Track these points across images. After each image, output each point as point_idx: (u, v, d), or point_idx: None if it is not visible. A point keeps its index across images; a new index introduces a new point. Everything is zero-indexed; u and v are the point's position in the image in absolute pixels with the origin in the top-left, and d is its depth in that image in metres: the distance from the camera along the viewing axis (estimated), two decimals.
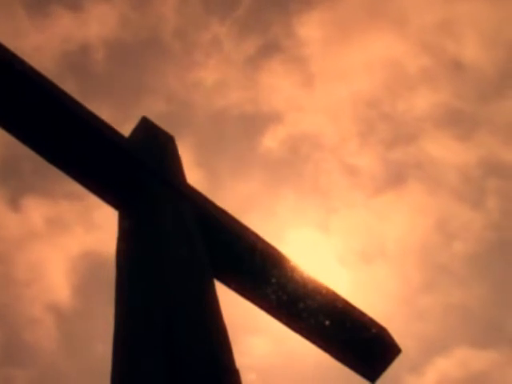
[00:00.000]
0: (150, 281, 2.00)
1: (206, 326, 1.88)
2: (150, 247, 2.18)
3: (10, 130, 2.51)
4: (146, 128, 3.26)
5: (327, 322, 2.70)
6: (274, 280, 2.67)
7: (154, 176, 2.62)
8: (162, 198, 2.49)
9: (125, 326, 1.88)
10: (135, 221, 2.42)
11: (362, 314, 2.83)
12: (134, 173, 2.59)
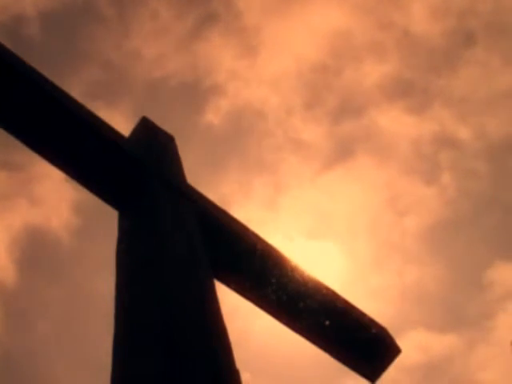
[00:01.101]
0: (150, 281, 2.00)
1: (206, 326, 1.88)
2: (150, 247, 2.18)
3: (10, 129, 2.51)
4: (146, 128, 3.26)
5: (327, 322, 2.70)
6: (274, 280, 2.67)
7: (154, 176, 2.62)
8: (162, 198, 2.49)
9: (125, 325, 1.88)
10: (135, 221, 2.42)
11: (362, 314, 2.83)
12: (134, 173, 2.59)
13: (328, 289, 2.80)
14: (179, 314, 1.84)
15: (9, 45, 2.52)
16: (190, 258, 2.20)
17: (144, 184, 2.57)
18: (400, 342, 2.77)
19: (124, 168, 2.58)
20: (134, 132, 3.20)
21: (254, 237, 2.79)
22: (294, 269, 2.74)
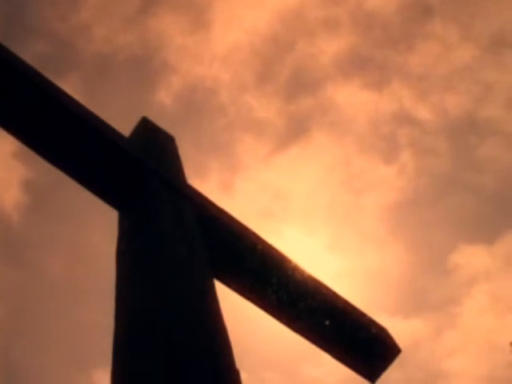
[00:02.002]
0: (150, 281, 2.00)
1: (206, 326, 1.88)
2: (150, 247, 2.18)
3: (10, 129, 2.51)
4: (146, 128, 3.26)
5: (327, 322, 2.70)
6: (274, 280, 2.67)
7: (154, 176, 2.62)
8: (162, 198, 2.49)
9: (125, 326, 1.88)
10: (135, 221, 2.42)
11: (362, 314, 2.83)
12: (134, 173, 2.59)
13: (328, 289, 2.80)
14: (179, 314, 1.84)
15: None
16: (190, 258, 2.20)
17: (144, 184, 2.57)
18: None
19: (124, 168, 2.58)
20: (134, 132, 3.20)
21: (254, 237, 2.79)
22: (294, 269, 2.74)
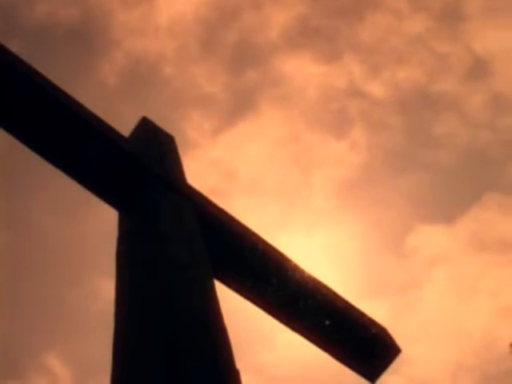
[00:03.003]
0: (150, 281, 2.00)
1: (206, 326, 1.88)
2: (150, 247, 2.18)
3: (10, 129, 2.51)
4: (146, 128, 3.26)
5: (327, 322, 2.70)
6: (274, 280, 2.67)
7: (154, 176, 2.62)
8: (162, 198, 2.50)
9: (125, 326, 1.88)
10: (135, 221, 2.42)
11: (362, 314, 2.83)
12: (134, 173, 2.59)
13: (328, 289, 2.80)
14: (179, 314, 1.85)
15: None
16: (190, 258, 2.20)
17: (144, 184, 2.57)
18: None
19: (124, 168, 2.59)
20: (134, 132, 3.20)
21: (254, 237, 2.79)
22: (294, 269, 2.74)
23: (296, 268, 2.76)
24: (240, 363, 1.80)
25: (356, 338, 2.74)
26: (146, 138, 3.11)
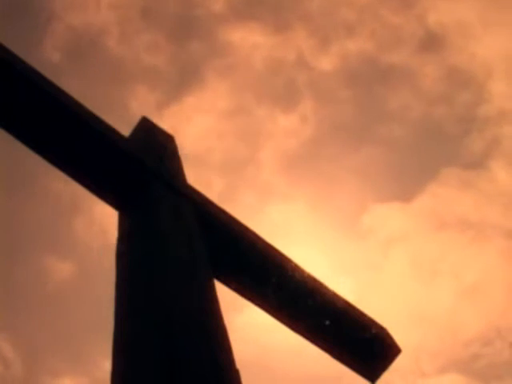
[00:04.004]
0: (150, 281, 2.00)
1: (206, 326, 1.88)
2: (150, 247, 2.18)
3: (10, 129, 2.51)
4: (146, 128, 3.26)
5: (327, 322, 2.70)
6: (274, 280, 2.67)
7: (154, 176, 2.62)
8: (162, 198, 2.49)
9: (125, 326, 1.88)
10: (135, 221, 2.42)
11: (362, 314, 2.83)
12: (134, 173, 2.59)
13: (328, 289, 2.80)
14: (179, 314, 1.84)
15: None
16: (190, 258, 2.20)
17: (144, 184, 2.57)
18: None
19: (124, 168, 2.58)
20: (134, 132, 3.20)
21: (254, 236, 2.79)
22: (294, 269, 2.74)
23: (296, 268, 2.76)
24: None
25: (356, 338, 2.74)
26: (146, 138, 3.11)
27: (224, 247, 2.62)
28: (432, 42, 9.08)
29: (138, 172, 2.60)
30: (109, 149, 2.58)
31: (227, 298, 2.45)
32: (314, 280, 2.78)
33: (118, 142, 2.63)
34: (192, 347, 1.74)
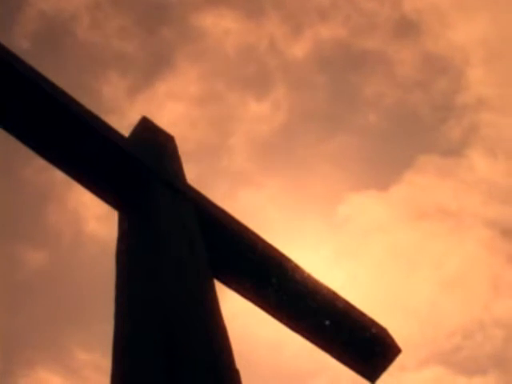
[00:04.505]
0: (150, 281, 2.00)
1: (206, 326, 1.88)
2: (150, 247, 2.18)
3: (10, 129, 2.51)
4: (146, 128, 3.26)
5: (327, 322, 2.70)
6: (274, 280, 2.67)
7: (154, 176, 2.62)
8: (162, 198, 2.49)
9: (125, 326, 1.88)
10: (135, 221, 2.42)
11: (362, 314, 2.83)
12: (134, 173, 2.59)
13: (328, 289, 2.80)
14: (179, 314, 1.84)
15: None
16: (190, 258, 2.20)
17: (144, 184, 2.57)
18: None
19: (124, 168, 2.58)
20: (134, 132, 3.20)
21: (254, 236, 2.79)
22: (294, 269, 2.74)
23: (296, 268, 2.76)
24: None
25: (356, 338, 2.74)
26: (146, 138, 3.11)
27: (224, 247, 2.62)
28: (407, 28, 8.90)
29: (137, 172, 2.60)
30: (109, 149, 2.58)
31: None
32: (314, 280, 2.78)
33: (118, 141, 2.63)
34: (192, 347, 1.74)
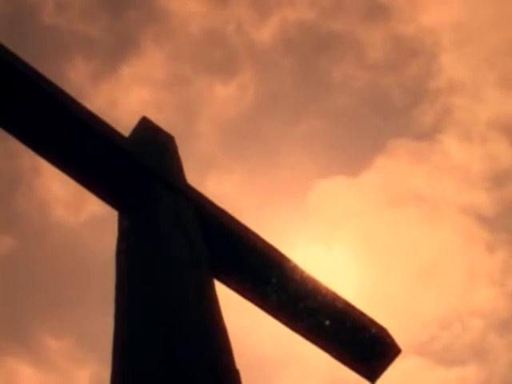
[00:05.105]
0: (150, 281, 2.00)
1: (206, 326, 1.88)
2: (150, 247, 2.18)
3: (10, 129, 2.51)
4: (146, 128, 3.26)
5: (327, 322, 2.70)
6: (274, 280, 2.67)
7: (154, 176, 2.62)
8: (161, 198, 2.49)
9: (125, 326, 1.88)
10: (135, 221, 2.42)
11: (362, 314, 2.83)
12: (134, 173, 2.59)
13: (328, 289, 2.80)
14: (179, 314, 1.84)
15: None
16: (190, 258, 2.20)
17: (144, 184, 2.57)
18: None
19: (124, 168, 2.58)
20: (134, 132, 3.20)
21: (254, 236, 2.79)
22: (294, 269, 2.74)
23: (296, 268, 2.76)
24: None
25: (356, 338, 2.74)
26: (146, 138, 3.11)
27: (224, 247, 2.62)
28: (377, 10, 8.72)
29: (137, 172, 2.60)
30: (109, 149, 2.58)
31: None
32: (314, 280, 2.78)
33: (118, 141, 2.63)
34: (192, 347, 1.74)
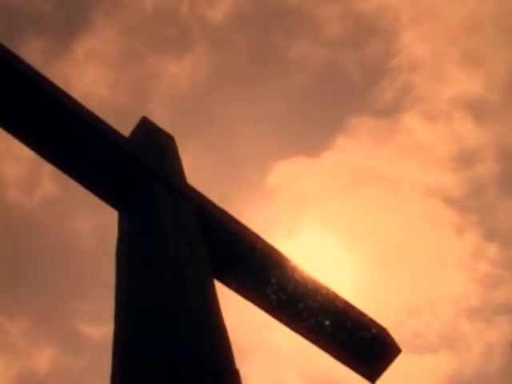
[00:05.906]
0: (150, 281, 2.00)
1: (206, 326, 1.88)
2: (150, 247, 2.18)
3: (10, 129, 2.51)
4: (146, 128, 3.26)
5: (327, 322, 2.70)
6: (274, 280, 2.67)
7: (154, 176, 2.62)
8: (161, 198, 2.49)
9: (125, 326, 1.88)
10: (135, 221, 2.42)
11: (362, 314, 2.83)
12: (134, 173, 2.59)
13: (328, 289, 2.80)
14: (179, 314, 1.84)
15: None
16: (190, 258, 2.20)
17: (144, 184, 2.57)
18: None
19: (124, 168, 2.58)
20: (134, 132, 3.20)
21: (253, 236, 2.79)
22: (293, 269, 2.74)
23: (296, 268, 2.76)
24: None
25: (356, 338, 2.74)
26: (146, 138, 3.11)
27: (224, 247, 2.62)
28: None
29: (137, 172, 2.60)
30: (109, 149, 2.58)
31: None
32: (314, 280, 2.78)
33: (118, 141, 2.63)
34: (192, 347, 1.74)
